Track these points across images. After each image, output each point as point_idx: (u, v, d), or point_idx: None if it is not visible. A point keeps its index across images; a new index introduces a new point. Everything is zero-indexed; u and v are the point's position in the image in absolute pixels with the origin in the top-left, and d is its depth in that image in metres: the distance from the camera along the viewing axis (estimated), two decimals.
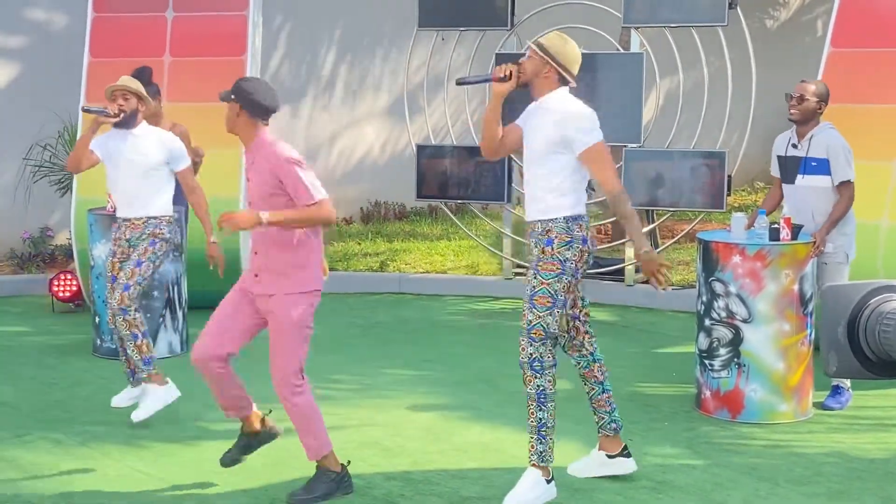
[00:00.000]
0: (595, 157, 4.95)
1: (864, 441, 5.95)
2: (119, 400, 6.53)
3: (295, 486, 5.20)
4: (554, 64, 4.99)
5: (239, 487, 5.32)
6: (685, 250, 10.40)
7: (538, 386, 4.92)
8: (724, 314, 6.20)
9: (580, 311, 5.21)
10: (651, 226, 9.72)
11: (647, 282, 9.52)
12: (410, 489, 5.27)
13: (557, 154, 4.97)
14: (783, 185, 6.69)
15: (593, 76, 9.03)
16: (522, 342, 4.94)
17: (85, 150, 6.45)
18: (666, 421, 6.28)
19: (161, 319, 7.80)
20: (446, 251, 10.92)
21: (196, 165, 7.73)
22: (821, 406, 6.44)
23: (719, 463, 5.60)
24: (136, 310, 6.29)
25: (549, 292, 4.92)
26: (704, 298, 6.31)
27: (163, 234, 6.49)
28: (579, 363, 5.26)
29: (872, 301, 2.57)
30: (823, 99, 6.52)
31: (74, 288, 9.12)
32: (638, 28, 9.25)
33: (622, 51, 9.65)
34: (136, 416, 6.16)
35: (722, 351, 6.23)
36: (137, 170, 6.47)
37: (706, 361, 6.31)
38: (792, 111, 6.51)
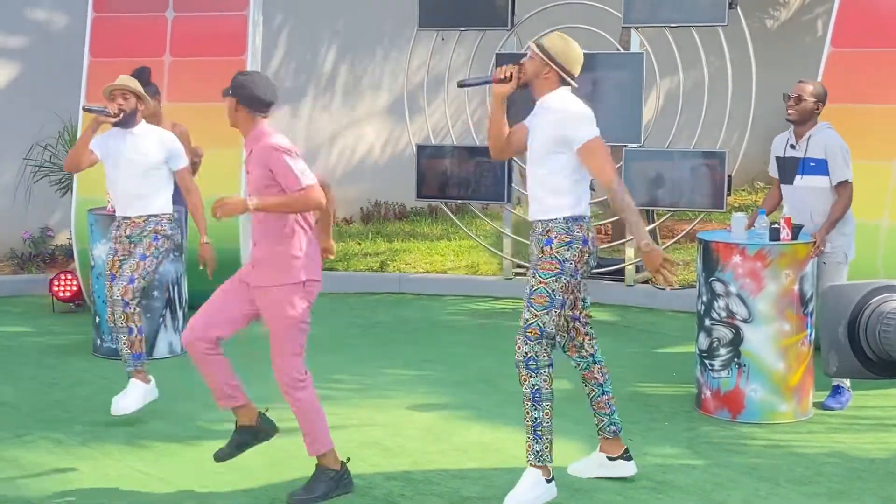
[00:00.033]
0: (592, 152, 4.93)
1: (865, 441, 5.95)
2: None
3: (295, 486, 5.20)
4: (553, 65, 4.99)
5: (239, 487, 5.32)
6: (685, 250, 10.39)
7: (533, 385, 4.91)
8: (724, 314, 6.20)
9: (580, 313, 5.20)
10: (651, 226, 9.72)
11: (647, 281, 9.54)
12: (411, 489, 5.27)
13: (557, 154, 4.97)
14: (782, 185, 6.69)
15: (593, 76, 9.03)
16: (518, 341, 4.94)
17: (85, 149, 6.46)
18: (666, 421, 6.28)
19: (161, 319, 7.80)
20: (446, 251, 10.92)
21: (195, 165, 7.74)
22: (821, 406, 6.44)
23: (719, 463, 5.60)
24: (137, 304, 6.31)
25: (547, 291, 4.92)
26: (705, 298, 6.31)
27: (164, 231, 6.51)
28: (579, 364, 5.25)
29: (873, 301, 2.57)
30: (821, 99, 6.52)
31: (75, 288, 9.12)
32: (638, 28, 9.25)
33: (622, 51, 9.65)
34: (116, 409, 6.19)
35: (722, 351, 6.23)
36: (137, 169, 6.48)
37: (706, 361, 6.31)
38: (790, 111, 6.51)
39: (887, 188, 7.49)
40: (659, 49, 9.41)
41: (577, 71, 5.04)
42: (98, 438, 6.06)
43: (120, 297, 6.26)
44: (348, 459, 5.23)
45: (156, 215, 6.53)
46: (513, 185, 9.70)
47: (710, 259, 6.26)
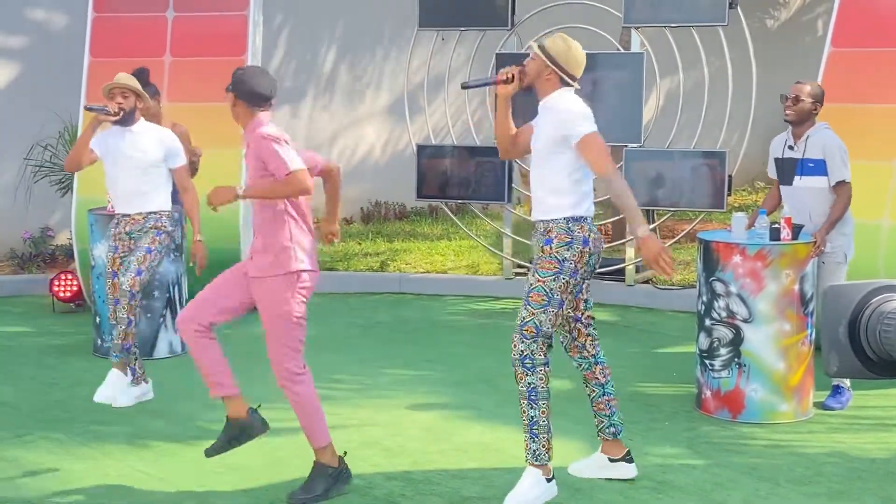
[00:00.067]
0: (589, 145, 4.89)
1: (865, 441, 5.95)
2: (122, 400, 6.55)
3: (295, 486, 5.20)
4: (553, 66, 4.99)
5: (239, 487, 5.32)
6: (686, 250, 10.40)
7: (529, 384, 4.92)
8: (724, 314, 6.20)
9: (582, 314, 5.20)
10: (652, 226, 9.72)
11: (648, 281, 9.54)
12: (411, 489, 5.27)
13: (558, 153, 4.97)
14: (781, 187, 6.69)
15: (593, 76, 9.03)
16: (515, 339, 4.95)
17: (85, 148, 6.48)
18: (666, 421, 6.28)
19: (162, 319, 7.80)
20: (446, 251, 10.92)
21: (194, 165, 7.74)
22: (821, 406, 6.44)
23: (720, 463, 5.60)
24: (140, 298, 6.39)
25: (545, 290, 4.92)
26: (705, 298, 6.31)
27: (165, 227, 6.56)
28: (580, 365, 5.25)
29: (873, 301, 2.57)
30: (818, 100, 6.52)
31: (75, 288, 9.12)
32: (638, 28, 9.25)
33: (622, 51, 9.65)
34: (98, 396, 6.28)
35: (722, 351, 6.23)
36: (136, 166, 6.51)
37: (707, 361, 6.31)
38: (787, 112, 6.51)
39: (887, 188, 7.49)
40: (659, 49, 9.41)
41: (578, 72, 5.04)
42: (98, 438, 6.06)
43: (128, 289, 6.31)
44: (345, 453, 5.22)
45: (155, 212, 6.57)
46: (513, 185, 9.70)
47: (711, 259, 6.26)
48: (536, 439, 4.95)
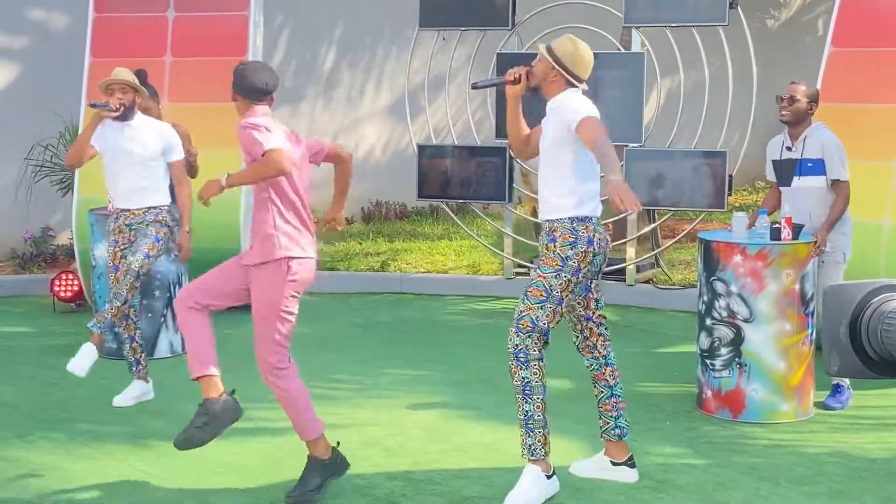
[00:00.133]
0: (587, 127, 4.84)
1: (866, 441, 5.95)
2: (121, 400, 6.56)
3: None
4: (559, 67, 5.00)
5: (239, 487, 5.32)
6: (686, 250, 10.39)
7: (523, 378, 4.92)
8: (725, 314, 6.20)
9: (593, 313, 5.21)
10: (652, 225, 9.73)
11: (648, 281, 9.54)
12: (412, 489, 5.27)
13: (563, 153, 4.98)
14: (780, 187, 6.69)
15: (594, 76, 8.93)
16: (511, 332, 4.96)
17: (86, 144, 6.49)
18: (667, 420, 6.28)
19: (162, 319, 7.80)
20: (447, 251, 10.92)
21: (190, 165, 7.74)
22: (822, 406, 6.44)
23: (720, 462, 5.60)
24: (140, 284, 6.47)
25: (545, 286, 4.93)
26: (705, 298, 6.31)
27: (165, 220, 6.60)
28: (591, 365, 5.26)
29: (874, 300, 2.57)
30: (814, 100, 6.52)
31: (76, 288, 9.12)
32: (639, 28, 9.25)
33: (623, 50, 9.65)
34: (70, 366, 6.26)
35: (723, 350, 6.23)
36: (135, 160, 6.54)
37: (707, 361, 6.31)
38: (783, 112, 6.52)
39: (888, 188, 7.49)
40: (660, 49, 9.41)
41: (585, 74, 5.04)
42: (99, 438, 6.06)
43: (137, 268, 6.36)
44: (338, 444, 5.21)
45: (155, 207, 6.61)
46: (514, 185, 9.70)
47: (711, 259, 6.26)
48: (532, 434, 4.96)
